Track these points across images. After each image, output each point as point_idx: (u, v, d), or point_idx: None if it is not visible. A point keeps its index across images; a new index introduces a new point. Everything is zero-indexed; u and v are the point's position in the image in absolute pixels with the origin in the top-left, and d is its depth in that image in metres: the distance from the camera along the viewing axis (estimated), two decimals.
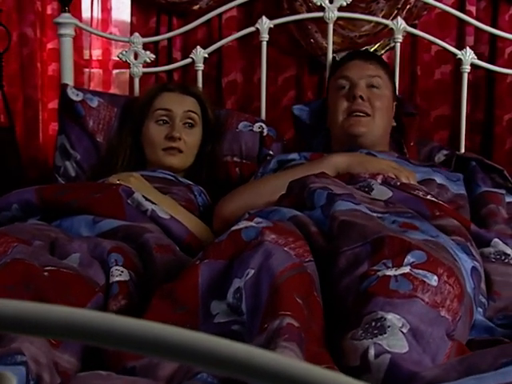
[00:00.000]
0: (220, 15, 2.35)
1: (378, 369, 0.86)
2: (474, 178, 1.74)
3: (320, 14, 2.13)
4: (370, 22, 2.28)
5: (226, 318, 0.95)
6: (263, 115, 2.14)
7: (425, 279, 0.97)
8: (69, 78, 2.11)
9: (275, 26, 2.14)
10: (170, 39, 2.40)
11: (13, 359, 0.82)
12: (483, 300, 1.22)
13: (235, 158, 2.00)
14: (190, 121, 1.87)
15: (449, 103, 2.41)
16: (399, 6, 2.31)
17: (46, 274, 1.07)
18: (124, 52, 2.17)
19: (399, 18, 2.13)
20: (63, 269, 1.11)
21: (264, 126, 2.05)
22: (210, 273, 1.00)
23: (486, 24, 2.27)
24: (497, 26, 2.34)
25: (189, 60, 2.17)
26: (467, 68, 2.11)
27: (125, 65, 2.22)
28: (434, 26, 2.37)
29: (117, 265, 1.16)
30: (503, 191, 1.70)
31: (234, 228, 1.07)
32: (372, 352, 0.87)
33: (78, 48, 2.38)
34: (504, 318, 1.21)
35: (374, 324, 0.91)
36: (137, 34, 2.16)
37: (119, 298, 1.11)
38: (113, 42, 2.49)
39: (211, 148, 1.93)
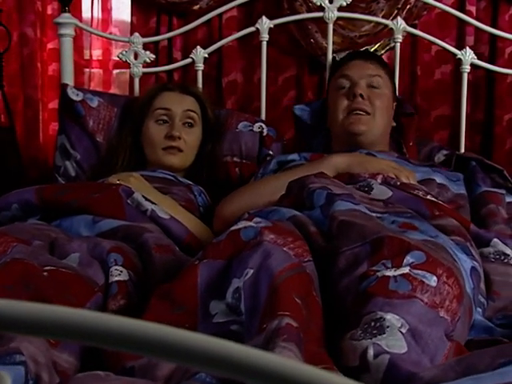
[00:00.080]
0: (220, 15, 2.35)
1: (377, 369, 0.86)
2: (474, 178, 1.74)
3: (320, 14, 2.13)
4: (370, 21, 2.28)
5: (224, 318, 0.95)
6: (263, 115, 2.14)
7: (424, 280, 0.97)
8: (69, 78, 2.12)
9: (275, 25, 2.14)
10: (170, 39, 2.40)
11: (11, 359, 0.82)
12: (482, 300, 1.22)
13: (235, 158, 2.00)
14: (189, 120, 1.87)
15: (449, 103, 2.41)
16: (399, 5, 2.31)
17: (45, 273, 1.07)
18: (124, 52, 2.17)
19: (399, 18, 2.13)
20: (62, 268, 1.11)
21: (264, 126, 2.06)
22: (208, 273, 1.00)
23: (486, 24, 2.27)
24: (497, 26, 2.34)
25: (189, 60, 2.17)
26: (467, 68, 2.11)
27: (125, 65, 2.22)
28: (434, 26, 2.37)
29: (116, 264, 1.16)
30: (503, 191, 1.70)
31: (233, 228, 1.07)
32: (371, 352, 0.87)
33: (78, 48, 2.38)
34: (503, 317, 1.21)
35: (373, 324, 0.91)
36: (137, 34, 2.16)
37: (118, 297, 1.11)
38: (113, 42, 2.49)
39: (211, 148, 1.94)
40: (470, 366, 0.83)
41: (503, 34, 2.23)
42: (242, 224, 1.07)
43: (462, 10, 2.33)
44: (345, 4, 2.11)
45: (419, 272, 0.98)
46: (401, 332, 0.90)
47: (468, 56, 2.10)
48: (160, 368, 0.86)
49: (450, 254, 1.11)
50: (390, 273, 0.98)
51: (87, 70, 2.52)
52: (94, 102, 2.04)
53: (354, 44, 2.33)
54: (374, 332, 0.90)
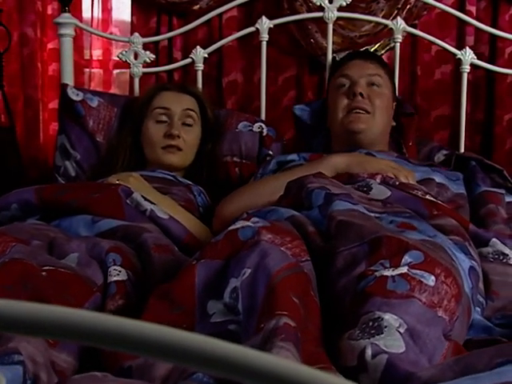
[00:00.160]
0: (220, 15, 2.36)
1: (375, 369, 0.86)
2: (473, 178, 1.74)
3: (320, 14, 2.13)
4: (370, 21, 2.28)
5: (222, 318, 0.95)
6: (263, 115, 2.14)
7: (422, 279, 0.97)
8: (69, 78, 2.12)
9: (275, 25, 2.14)
10: (170, 39, 2.40)
11: (10, 358, 0.82)
12: (481, 299, 1.22)
13: (235, 158, 2.00)
14: (188, 119, 1.87)
15: (449, 103, 2.41)
16: (399, 5, 2.31)
17: (44, 273, 1.08)
18: (124, 52, 2.17)
19: (399, 18, 2.13)
20: (61, 268, 1.11)
21: (264, 126, 2.06)
22: (206, 273, 1.00)
23: (486, 24, 2.27)
24: (497, 26, 2.34)
25: (189, 60, 2.17)
26: (467, 68, 2.11)
27: (125, 65, 2.22)
28: (434, 26, 2.37)
29: (115, 264, 1.16)
30: (503, 191, 1.70)
31: (230, 228, 1.07)
32: (369, 352, 0.87)
33: (78, 48, 2.38)
34: (502, 317, 1.21)
35: (371, 324, 0.91)
36: (136, 34, 2.16)
37: (116, 297, 1.11)
38: (113, 42, 2.49)
39: (211, 147, 1.94)
40: (468, 366, 0.83)
41: (503, 34, 2.23)
42: (239, 224, 1.07)
43: (462, 10, 2.33)
44: (345, 4, 2.11)
45: (417, 272, 0.98)
46: (399, 332, 0.90)
47: (468, 56, 2.10)
48: (157, 368, 0.86)
49: (449, 254, 1.11)
50: (388, 273, 0.98)
51: (87, 69, 2.52)
52: (94, 102, 2.04)
53: (353, 44, 2.33)
54: (372, 332, 0.90)
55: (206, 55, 2.16)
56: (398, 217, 1.21)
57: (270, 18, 2.13)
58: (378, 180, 1.43)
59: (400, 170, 1.53)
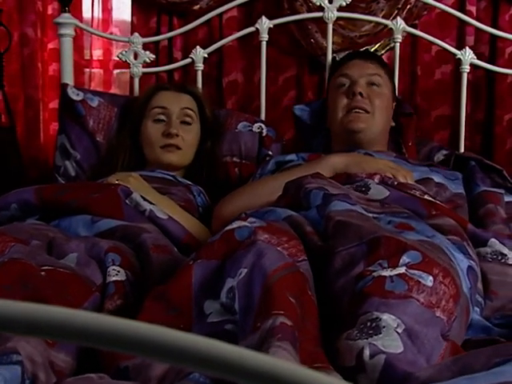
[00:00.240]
0: (220, 15, 2.36)
1: (373, 369, 0.86)
2: (473, 178, 1.74)
3: (319, 14, 2.13)
4: (370, 21, 2.28)
5: (219, 318, 0.95)
6: (263, 115, 2.15)
7: (420, 280, 0.97)
8: (69, 78, 2.12)
9: (275, 25, 2.14)
10: (170, 39, 2.40)
11: (8, 358, 0.82)
12: (480, 299, 1.22)
13: (234, 159, 2.00)
14: (186, 118, 1.87)
15: (449, 103, 2.41)
16: (399, 6, 2.31)
17: (43, 273, 1.08)
18: (124, 52, 2.17)
19: (399, 18, 2.13)
20: (60, 268, 1.11)
21: (263, 126, 2.06)
22: (203, 273, 1.00)
23: (487, 24, 2.28)
24: (497, 26, 2.34)
25: (188, 60, 2.17)
26: (467, 68, 2.11)
27: (125, 65, 2.23)
28: (435, 26, 2.37)
29: (114, 264, 1.17)
30: (502, 191, 1.70)
31: (227, 228, 1.07)
32: (367, 352, 0.87)
33: (78, 48, 2.39)
34: (501, 317, 1.21)
35: (369, 324, 0.91)
36: (136, 34, 2.17)
37: (115, 297, 1.11)
38: (114, 42, 2.49)
39: (210, 146, 1.94)
40: (466, 366, 0.83)
41: (503, 34, 2.23)
42: (236, 224, 1.07)
43: (462, 10, 2.34)
44: (344, 4, 2.11)
45: (415, 272, 0.98)
46: (397, 332, 0.90)
47: (467, 56, 2.10)
48: (154, 368, 0.86)
49: (447, 254, 1.11)
50: (386, 273, 0.98)
51: (88, 70, 2.53)
52: (95, 102, 2.04)
53: (354, 44, 2.33)
54: (370, 332, 0.90)
55: (206, 55, 2.16)
56: (396, 217, 1.21)
57: (270, 18, 2.14)
58: (377, 180, 1.43)
59: (398, 169, 1.53)
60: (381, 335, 0.89)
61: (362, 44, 2.35)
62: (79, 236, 1.34)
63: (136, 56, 2.16)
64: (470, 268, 1.16)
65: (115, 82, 2.58)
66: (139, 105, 1.92)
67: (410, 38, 2.36)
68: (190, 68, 2.28)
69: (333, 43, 2.17)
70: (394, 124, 1.91)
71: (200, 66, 2.15)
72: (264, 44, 2.13)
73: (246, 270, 0.95)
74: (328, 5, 2.11)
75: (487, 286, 1.26)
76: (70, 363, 0.95)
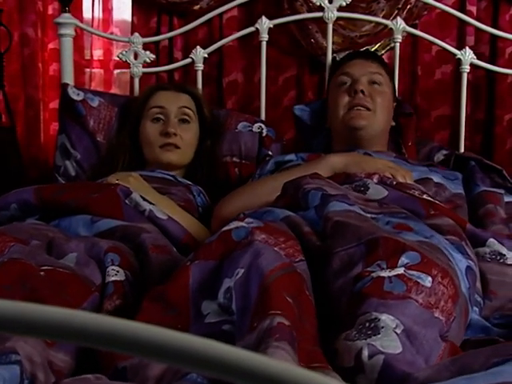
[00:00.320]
0: (220, 15, 2.36)
1: (372, 369, 0.86)
2: (472, 178, 1.74)
3: (319, 14, 2.13)
4: (370, 22, 2.28)
5: (216, 318, 0.95)
6: (263, 115, 2.15)
7: (419, 280, 0.97)
8: (69, 78, 2.12)
9: (275, 25, 2.14)
10: (170, 39, 2.41)
11: (7, 358, 0.83)
12: (479, 299, 1.22)
13: (234, 159, 2.00)
14: (185, 117, 1.87)
15: (449, 103, 2.41)
16: (400, 6, 2.31)
17: (42, 273, 1.08)
18: (124, 52, 2.17)
19: (399, 18, 2.13)
20: (60, 268, 1.11)
21: (263, 126, 2.06)
22: (200, 273, 1.00)
23: (487, 24, 2.27)
24: (497, 26, 2.34)
25: (188, 60, 2.17)
26: (467, 68, 2.11)
27: (126, 65, 2.23)
28: (435, 26, 2.37)
29: (113, 264, 1.17)
30: (502, 191, 1.70)
31: (224, 228, 1.07)
32: (366, 353, 0.87)
33: (79, 48, 2.39)
34: (500, 317, 1.21)
35: (367, 325, 0.91)
36: (136, 34, 2.17)
37: (114, 297, 1.11)
38: (114, 42, 2.49)
39: (210, 146, 1.94)
40: (465, 366, 0.83)
41: (503, 34, 2.23)
42: (233, 224, 1.07)
43: (463, 10, 2.33)
44: (345, 4, 2.11)
45: (414, 273, 0.98)
46: (395, 333, 0.90)
47: (467, 56, 2.10)
48: (151, 368, 0.86)
49: (445, 255, 1.10)
50: (384, 273, 0.98)
51: (88, 70, 2.53)
52: (95, 102, 2.04)
53: (354, 44, 2.33)
54: (369, 332, 0.90)
55: (206, 55, 2.16)
56: (395, 217, 1.21)
57: (270, 18, 2.14)
58: (376, 180, 1.43)
59: (397, 169, 1.53)
60: (379, 336, 0.89)
61: (362, 44, 2.35)
62: (79, 236, 1.35)
63: (136, 56, 2.17)
64: (468, 268, 1.16)
65: (115, 82, 2.58)
66: (138, 105, 1.92)
67: (410, 38, 2.36)
68: (190, 68, 2.28)
69: (333, 43, 2.17)
70: (394, 124, 1.91)
71: (200, 66, 2.15)
72: (264, 44, 2.13)
73: (242, 270, 0.95)
74: (328, 5, 2.11)
75: (486, 286, 1.26)
76: (69, 363, 0.95)
